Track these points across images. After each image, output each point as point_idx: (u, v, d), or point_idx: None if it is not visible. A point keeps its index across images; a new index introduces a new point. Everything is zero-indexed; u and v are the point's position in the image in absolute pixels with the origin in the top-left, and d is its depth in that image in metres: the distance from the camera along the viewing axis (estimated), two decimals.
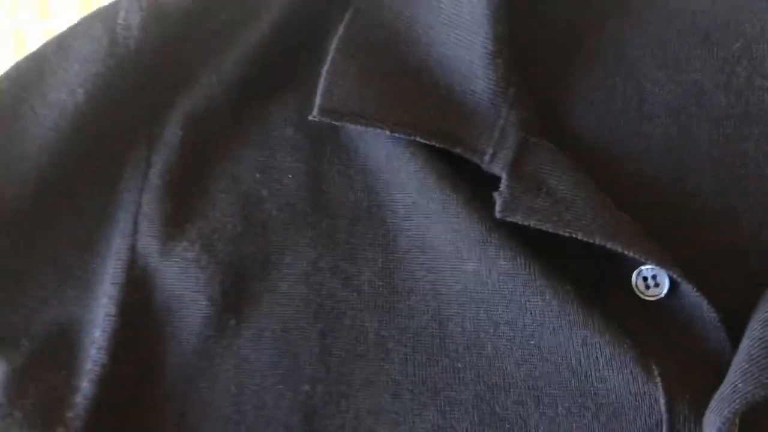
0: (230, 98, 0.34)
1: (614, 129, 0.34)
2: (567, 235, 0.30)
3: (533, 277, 0.31)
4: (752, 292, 0.31)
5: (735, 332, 0.30)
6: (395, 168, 0.33)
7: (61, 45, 0.33)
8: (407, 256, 0.33)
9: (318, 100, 0.32)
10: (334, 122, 0.32)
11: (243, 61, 0.34)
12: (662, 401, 0.30)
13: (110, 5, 0.34)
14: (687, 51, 0.35)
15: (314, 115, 0.32)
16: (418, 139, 0.32)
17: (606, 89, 0.34)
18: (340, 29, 0.34)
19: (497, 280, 0.31)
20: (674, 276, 0.30)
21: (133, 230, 0.33)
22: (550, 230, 0.30)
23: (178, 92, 0.33)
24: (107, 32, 0.33)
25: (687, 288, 0.30)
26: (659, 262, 0.30)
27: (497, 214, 0.30)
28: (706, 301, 0.30)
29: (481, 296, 0.31)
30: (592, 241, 0.30)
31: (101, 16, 0.33)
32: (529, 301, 0.31)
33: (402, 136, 0.32)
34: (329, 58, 0.33)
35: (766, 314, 0.29)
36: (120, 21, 0.33)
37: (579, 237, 0.30)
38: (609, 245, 0.30)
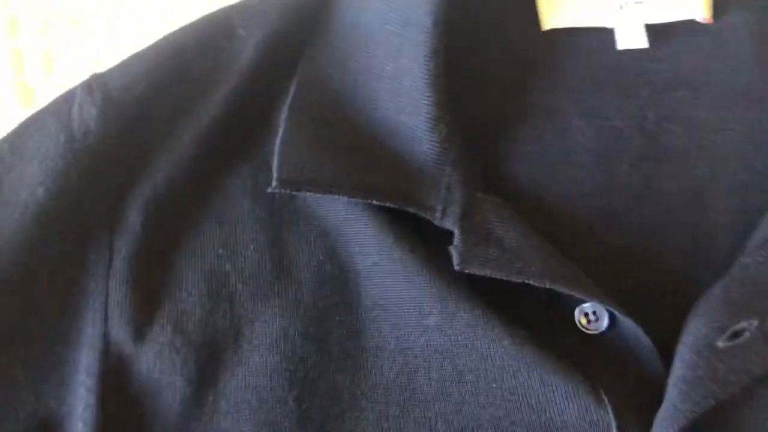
0: (188, 177, 0.35)
1: (547, 178, 0.37)
2: (519, 281, 0.33)
3: (491, 326, 0.33)
4: (681, 317, 0.35)
5: (670, 356, 0.34)
6: (354, 230, 0.35)
7: (14, 145, 0.34)
8: (372, 315, 0.35)
9: (275, 172, 0.34)
10: (292, 192, 0.34)
11: (197, 139, 0.35)
12: (614, 426, 0.33)
13: (61, 100, 0.34)
14: (604, 100, 0.38)
15: (273, 187, 0.34)
16: (373, 201, 0.34)
17: (538, 141, 0.38)
18: (288, 101, 0.35)
19: (458, 332, 0.34)
20: (611, 310, 0.34)
21: (103, 318, 0.33)
22: (504, 278, 0.33)
23: (137, 176, 0.34)
24: (63, 129, 0.33)
25: (623, 319, 0.34)
26: (598, 299, 0.34)
27: (455, 266, 0.33)
28: (641, 330, 0.34)
29: (444, 348, 0.34)
30: (542, 285, 0.33)
31: (53, 112, 0.34)
32: (489, 348, 0.33)
33: (358, 200, 0.34)
34: (281, 129, 0.35)
35: (689, 337, 0.33)
36: (74, 116, 0.33)
37: (531, 282, 0.33)
38: (556, 287, 0.33)
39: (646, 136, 0.38)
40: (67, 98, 0.34)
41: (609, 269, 0.36)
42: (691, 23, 0.38)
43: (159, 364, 0.33)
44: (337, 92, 0.36)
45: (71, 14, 0.44)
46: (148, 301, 0.34)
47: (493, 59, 0.38)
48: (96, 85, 0.34)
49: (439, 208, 0.34)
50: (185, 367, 0.33)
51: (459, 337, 0.34)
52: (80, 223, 0.34)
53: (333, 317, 0.35)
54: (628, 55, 0.39)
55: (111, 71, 0.35)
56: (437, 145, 0.35)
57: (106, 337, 0.33)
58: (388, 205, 0.34)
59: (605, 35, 0.39)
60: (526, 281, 0.33)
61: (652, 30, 0.38)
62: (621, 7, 0.39)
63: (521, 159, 0.37)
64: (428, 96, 0.34)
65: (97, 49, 0.44)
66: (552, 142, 0.38)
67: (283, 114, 0.35)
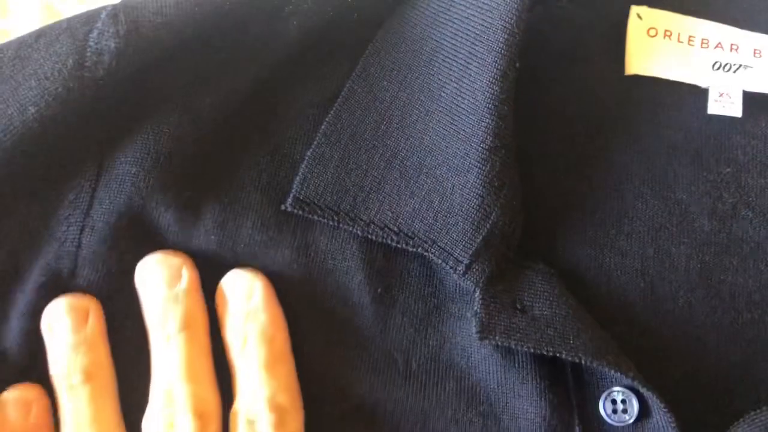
0: (200, 145, 0.31)
1: (591, 242, 0.32)
2: (549, 354, 0.29)
3: None
4: (716, 416, 0.30)
5: None
6: (358, 267, 0.31)
7: (18, 54, 0.29)
8: None
9: (294, 188, 0.30)
10: (304, 214, 0.30)
11: (221, 108, 0.31)
12: None
13: (83, 19, 0.30)
14: (675, 168, 0.34)
15: (287, 205, 0.30)
16: (388, 242, 0.30)
17: (589, 198, 0.33)
18: (331, 112, 0.31)
19: None
20: (654, 399, 0.29)
21: (71, 271, 0.29)
22: (531, 350, 0.29)
23: (141, 127, 0.30)
24: (75, 52, 0.29)
25: (657, 414, 0.29)
26: (641, 383, 0.29)
27: (475, 336, 0.29)
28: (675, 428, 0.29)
29: None
30: (577, 360, 0.28)
31: (70, 30, 0.29)
32: None
33: (372, 237, 0.30)
34: (315, 142, 0.31)
35: None
36: (91, 43, 0.29)
37: (562, 356, 0.28)
38: (595, 364, 0.29)
39: (716, 219, 0.33)
40: (89, 20, 0.30)
41: (642, 356, 0.31)
42: None
43: None
44: (386, 107, 0.31)
45: None
46: (121, 269, 0.30)
47: (565, 97, 0.34)
48: (124, 15, 0.29)
49: (465, 261, 0.29)
50: None
51: None
52: (66, 157, 0.30)
53: None
54: (717, 122, 0.34)
55: (147, 1, 0.30)
56: (487, 180, 0.30)
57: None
58: (403, 246, 0.30)
59: (695, 95, 0.34)
60: (557, 354, 0.28)
61: (751, 99, 0.34)
62: (719, 67, 0.34)
63: (565, 214, 0.33)
64: (488, 121, 0.30)
65: None
66: (605, 203, 0.33)
67: (323, 126, 0.31)
